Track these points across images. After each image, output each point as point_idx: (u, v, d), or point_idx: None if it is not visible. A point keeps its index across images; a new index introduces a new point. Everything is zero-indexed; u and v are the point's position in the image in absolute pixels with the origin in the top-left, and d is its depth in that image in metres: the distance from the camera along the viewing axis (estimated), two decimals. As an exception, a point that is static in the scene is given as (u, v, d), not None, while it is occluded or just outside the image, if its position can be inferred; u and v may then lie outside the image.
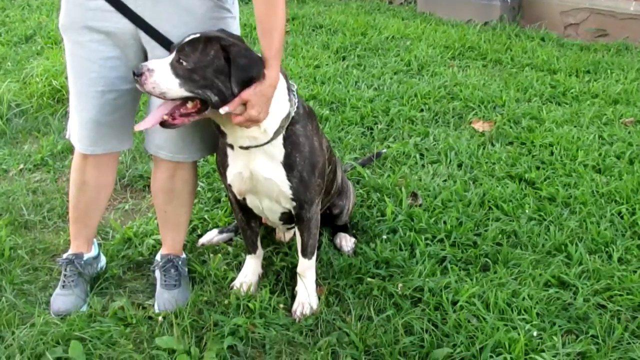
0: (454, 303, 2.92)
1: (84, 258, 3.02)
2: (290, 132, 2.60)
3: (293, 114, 2.59)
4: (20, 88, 5.24)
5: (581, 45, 7.16)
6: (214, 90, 2.35)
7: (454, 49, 6.70)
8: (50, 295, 2.95)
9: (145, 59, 2.62)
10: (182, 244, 3.12)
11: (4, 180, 4.01)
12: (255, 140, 2.54)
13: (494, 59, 6.47)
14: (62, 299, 2.89)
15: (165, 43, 2.53)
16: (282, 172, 2.64)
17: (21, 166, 4.15)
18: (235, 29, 2.72)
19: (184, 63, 2.32)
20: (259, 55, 2.46)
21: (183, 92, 2.34)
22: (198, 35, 2.39)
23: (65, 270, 2.97)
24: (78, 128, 2.72)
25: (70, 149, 4.26)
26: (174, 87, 2.33)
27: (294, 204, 2.75)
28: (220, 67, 2.36)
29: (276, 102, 2.51)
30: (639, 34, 7.38)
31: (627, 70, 6.14)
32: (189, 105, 2.41)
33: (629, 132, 4.73)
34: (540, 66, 6.25)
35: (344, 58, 6.40)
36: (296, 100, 2.63)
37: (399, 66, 6.12)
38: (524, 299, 2.93)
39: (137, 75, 2.32)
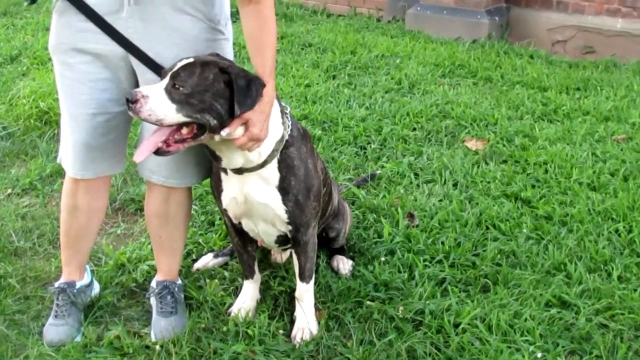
0: (456, 325, 2.88)
1: (77, 286, 2.95)
2: (284, 156, 2.56)
3: (287, 137, 2.55)
4: (6, 110, 5.15)
5: (570, 62, 7.18)
6: (212, 113, 2.30)
7: (444, 67, 6.70)
8: (43, 325, 2.88)
9: (136, 81, 2.58)
10: (178, 269, 3.07)
11: (-9, 206, 3.94)
12: (250, 164, 2.50)
13: (484, 77, 6.46)
14: (56, 329, 2.82)
15: (154, 67, 2.48)
16: (277, 196, 2.60)
17: (9, 190, 4.08)
18: (229, 51, 2.69)
19: (181, 88, 2.27)
20: (256, 74, 2.43)
21: (181, 118, 2.29)
22: (192, 59, 2.35)
23: (58, 299, 2.90)
24: (69, 151, 2.67)
25: (59, 173, 4.21)
26: (171, 113, 2.26)
27: (290, 227, 2.71)
28: (220, 90, 2.32)
29: (270, 125, 2.47)
30: (626, 50, 7.41)
31: (616, 87, 6.15)
32: (184, 130, 2.35)
33: (622, 149, 4.72)
34: (530, 83, 6.25)
35: (334, 77, 6.37)
36: (289, 123, 2.59)
37: (390, 84, 6.10)
38: (526, 319, 2.90)
39: (132, 102, 2.24)
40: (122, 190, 4.04)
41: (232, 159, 2.49)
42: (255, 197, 2.59)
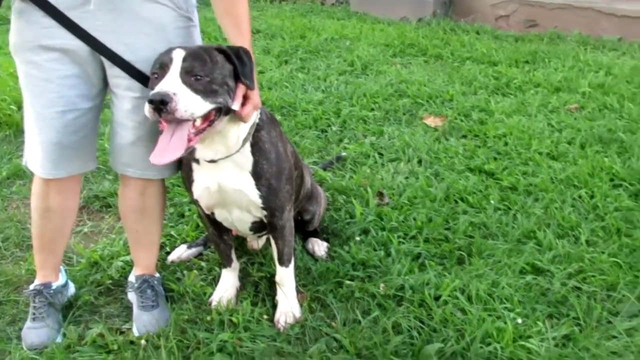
0: (437, 298, 2.92)
1: (53, 287, 2.90)
2: (256, 139, 2.55)
3: (257, 120, 2.55)
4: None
5: (515, 36, 7.31)
6: (229, 94, 2.31)
7: (394, 46, 6.76)
8: (20, 329, 2.82)
9: (104, 75, 2.53)
10: (155, 262, 3.04)
11: (-49, 212, 3.84)
12: (227, 150, 2.48)
13: (434, 55, 6.55)
14: (35, 332, 2.76)
15: (121, 64, 2.43)
16: (250, 182, 2.59)
17: (-34, 194, 3.97)
18: (197, 37, 2.67)
19: (201, 78, 2.22)
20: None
21: (208, 106, 2.24)
22: (190, 48, 2.30)
23: (34, 301, 2.84)
24: (39, 152, 2.58)
25: (16, 175, 4.13)
26: (201, 104, 2.21)
27: (265, 212, 2.70)
28: (228, 69, 2.32)
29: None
30: (568, 22, 7.59)
31: (563, 59, 6.30)
32: (197, 122, 2.27)
33: (575, 118, 4.85)
34: (480, 59, 6.36)
35: (286, 62, 6.38)
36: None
37: (343, 67, 6.14)
38: (503, 288, 2.95)
39: (164, 103, 2.11)
40: (84, 187, 3.96)
41: (207, 148, 2.48)
42: (228, 184, 2.57)
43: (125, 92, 2.50)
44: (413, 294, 2.95)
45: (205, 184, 2.60)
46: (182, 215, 3.70)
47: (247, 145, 2.52)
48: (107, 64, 2.47)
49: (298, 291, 2.99)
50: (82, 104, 2.51)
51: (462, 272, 3.09)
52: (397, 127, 4.78)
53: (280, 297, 2.92)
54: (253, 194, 2.60)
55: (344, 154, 4.29)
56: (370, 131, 4.70)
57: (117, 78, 2.49)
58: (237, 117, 2.40)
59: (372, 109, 5.12)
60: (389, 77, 5.79)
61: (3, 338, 2.79)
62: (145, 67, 2.44)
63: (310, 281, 3.10)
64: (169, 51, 2.29)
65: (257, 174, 2.57)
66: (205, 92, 2.23)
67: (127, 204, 2.84)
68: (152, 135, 2.56)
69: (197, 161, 2.56)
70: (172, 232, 3.51)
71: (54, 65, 2.43)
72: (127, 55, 2.44)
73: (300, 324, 2.82)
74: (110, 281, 3.14)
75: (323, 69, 6.08)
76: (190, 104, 2.17)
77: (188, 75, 2.21)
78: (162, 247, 3.38)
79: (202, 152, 2.50)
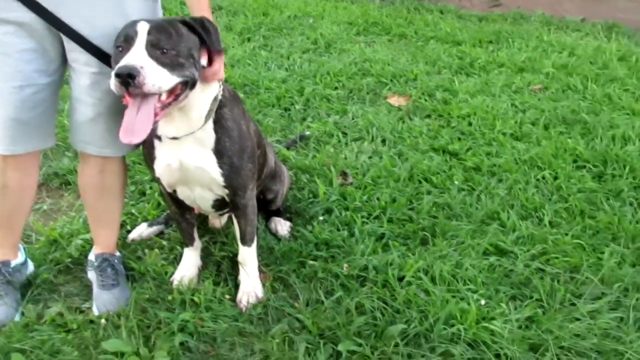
0: (400, 279, 2.92)
1: (12, 265, 2.83)
2: (219, 116, 2.50)
3: (220, 97, 2.50)
4: None
5: (479, 16, 7.31)
6: (195, 66, 2.26)
7: (357, 25, 6.71)
8: None
9: (63, 50, 2.45)
10: (116, 241, 2.98)
11: None
12: (190, 127, 2.43)
13: (398, 34, 6.52)
14: None
15: (77, 38, 2.36)
16: (212, 159, 2.53)
17: None
18: (159, 13, 2.61)
19: (168, 51, 2.17)
20: None
21: (175, 80, 2.19)
22: (154, 21, 2.24)
23: None
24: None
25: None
26: (168, 78, 2.16)
27: (227, 191, 2.66)
28: (193, 41, 2.28)
29: (206, 84, 2.41)
30: (531, 3, 7.63)
31: (527, 39, 6.33)
32: (163, 97, 2.21)
33: (539, 99, 4.87)
34: (444, 38, 6.35)
35: (249, 39, 6.29)
36: (221, 83, 2.54)
37: (306, 45, 6.07)
38: (467, 269, 2.97)
39: (132, 77, 2.06)
40: (44, 164, 3.86)
41: (169, 125, 2.43)
42: (190, 161, 2.52)
43: (83, 67, 2.44)
44: (376, 274, 2.94)
45: (167, 161, 2.54)
46: (143, 194, 3.63)
47: (210, 122, 2.47)
48: (65, 38, 2.40)
49: (260, 271, 2.96)
50: (40, 79, 2.44)
51: (425, 253, 3.08)
52: (361, 107, 4.75)
53: (242, 276, 2.89)
54: (215, 172, 2.56)
55: (307, 132, 4.26)
56: (334, 110, 4.67)
57: (75, 52, 2.42)
58: (203, 78, 2.36)
59: (336, 88, 5.08)
60: (353, 55, 5.75)
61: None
62: (103, 43, 2.38)
63: (273, 261, 3.07)
64: (133, 24, 2.22)
65: (219, 151, 2.52)
66: (172, 65, 2.18)
67: (87, 181, 2.78)
68: (112, 112, 2.51)
69: (159, 138, 2.50)
70: (133, 211, 3.44)
71: (9, 38, 2.36)
72: (84, 30, 2.37)
73: (263, 304, 2.80)
74: (69, 259, 3.08)
75: (286, 47, 6.01)
76: (158, 77, 2.12)
77: (154, 49, 2.16)
78: (122, 225, 3.32)
79: (164, 129, 2.44)
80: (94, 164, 2.70)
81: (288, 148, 4.06)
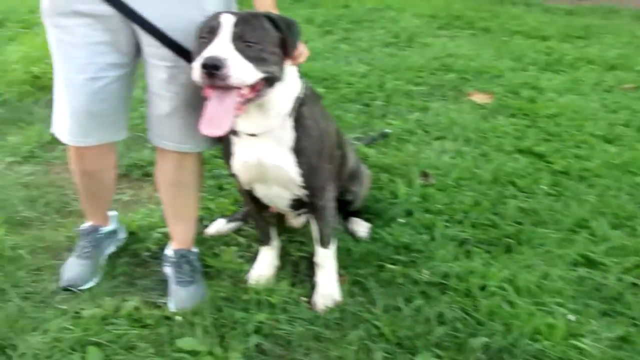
0: (483, 288, 2.80)
1: (101, 231, 2.99)
2: (299, 115, 2.43)
3: (301, 95, 2.43)
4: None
5: (567, 9, 7.07)
6: (279, 63, 2.21)
7: (440, 18, 6.58)
8: (58, 295, 2.79)
9: (136, 43, 2.44)
10: (193, 237, 2.96)
11: (-7, 175, 3.79)
12: (268, 124, 2.37)
13: (482, 27, 6.35)
14: (72, 267, 2.86)
15: (153, 31, 2.33)
16: (291, 158, 2.47)
17: (9, 159, 3.92)
18: (233, 6, 2.56)
19: (254, 45, 2.12)
20: None
21: (258, 74, 2.14)
22: (242, 13, 2.20)
23: (82, 240, 2.95)
24: (67, 119, 2.52)
25: (58, 140, 4.07)
26: (252, 72, 2.12)
27: (305, 191, 2.59)
28: (276, 37, 2.21)
29: (287, 81, 2.34)
30: (623, -4, 7.31)
31: (618, 34, 6.07)
32: (244, 91, 2.16)
33: (632, 99, 4.64)
34: (530, 33, 6.15)
35: (329, 32, 6.22)
36: (302, 81, 2.47)
37: (388, 38, 5.97)
38: (554, 280, 2.82)
39: (217, 68, 2.03)
40: (125, 155, 3.88)
41: (248, 121, 2.37)
42: (268, 159, 2.46)
43: (159, 61, 2.42)
44: (458, 282, 2.83)
45: (244, 158, 2.49)
46: (221, 188, 3.60)
47: (290, 120, 2.41)
48: (141, 32, 2.39)
49: (338, 273, 2.89)
50: (112, 72, 2.45)
51: (510, 262, 2.95)
52: (443, 104, 4.63)
53: (319, 278, 2.82)
54: (293, 171, 2.49)
55: (388, 130, 4.16)
56: (416, 107, 4.56)
57: (151, 47, 2.41)
58: (288, 62, 2.31)
59: (418, 84, 4.96)
60: (435, 50, 5.62)
61: (42, 305, 2.73)
62: (178, 36, 2.36)
63: (351, 263, 2.99)
64: (217, 15, 2.18)
65: (298, 150, 2.46)
66: (256, 59, 2.12)
67: (164, 177, 2.77)
68: (189, 107, 2.49)
69: (237, 134, 2.45)
70: (211, 205, 3.42)
71: (85, 30, 2.37)
72: (160, 24, 2.35)
73: (340, 308, 2.72)
74: (147, 253, 3.08)
75: (367, 40, 5.91)
76: (242, 70, 2.08)
77: (239, 41, 2.11)
78: (200, 220, 3.30)
79: (242, 125, 2.39)
80: (171, 160, 2.68)
81: (368, 145, 3.96)
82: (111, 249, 3.06)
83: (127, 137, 2.75)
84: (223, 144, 2.59)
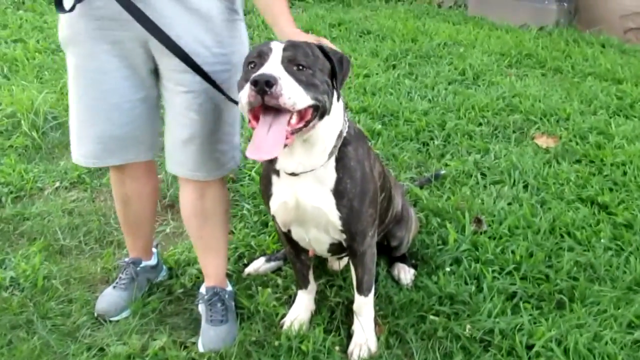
0: (529, 347, 2.63)
1: (141, 265, 3.00)
2: (342, 154, 2.32)
3: (345, 133, 2.32)
4: (57, 99, 5.02)
5: (645, 51, 6.77)
6: (328, 93, 2.11)
7: (510, 56, 6.37)
8: (86, 329, 2.77)
9: (155, 68, 2.45)
10: (225, 272, 2.90)
11: (38, 200, 3.81)
12: (311, 163, 2.26)
13: (553, 67, 6.12)
14: (107, 299, 2.89)
15: (175, 50, 2.29)
16: (331, 200, 2.35)
17: (57, 184, 3.95)
18: (244, 31, 2.54)
19: (305, 69, 2.04)
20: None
21: (309, 100, 2.03)
22: (293, 40, 2.13)
23: (122, 272, 2.98)
24: (91, 144, 2.52)
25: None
26: (303, 95, 2.01)
27: (344, 235, 2.47)
28: (328, 68, 2.14)
29: (333, 117, 2.23)
30: None
31: (697, 80, 5.75)
32: (294, 120, 2.06)
33: None
34: (603, 75, 5.89)
35: (394, 66, 6.10)
36: (347, 119, 2.36)
37: (453, 75, 5.81)
38: (606, 343, 2.63)
39: (268, 86, 1.92)
40: (172, 185, 3.85)
41: (289, 159, 2.27)
42: (307, 200, 2.35)
43: (176, 86, 2.41)
44: (502, 339, 2.67)
45: (284, 198, 2.39)
46: (266, 225, 3.51)
47: (332, 160, 2.30)
48: (157, 54, 2.39)
49: (376, 322, 2.77)
50: (135, 95, 2.48)
51: (560, 320, 2.77)
52: (505, 146, 4.44)
53: (356, 327, 2.71)
54: (333, 214, 2.37)
55: (443, 171, 4.01)
56: (475, 148, 4.39)
57: (168, 72, 2.41)
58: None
59: (480, 124, 4.79)
60: (502, 89, 5.43)
61: (67, 339, 2.70)
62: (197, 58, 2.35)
63: (391, 312, 2.86)
64: (267, 43, 2.11)
65: (339, 192, 2.34)
66: (307, 84, 2.03)
67: (188, 208, 2.72)
68: (206, 134, 2.46)
69: (277, 173, 2.36)
70: (252, 243, 3.33)
71: (107, 57, 2.39)
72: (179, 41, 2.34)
73: (375, 360, 2.60)
74: (181, 290, 3.02)
75: (432, 76, 5.77)
76: (294, 91, 1.97)
77: (291, 64, 2.03)
78: (240, 258, 3.25)
79: (283, 163, 2.28)
80: (193, 189, 2.64)
81: (421, 187, 3.82)
82: (151, 282, 3.07)
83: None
84: (262, 183, 2.51)
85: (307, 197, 2.35)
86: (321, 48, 2.15)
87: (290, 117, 2.03)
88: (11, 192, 3.83)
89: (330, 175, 2.32)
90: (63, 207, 3.68)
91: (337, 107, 2.24)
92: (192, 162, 2.51)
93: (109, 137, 2.50)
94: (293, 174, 2.30)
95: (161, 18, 2.28)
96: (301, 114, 2.06)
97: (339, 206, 2.36)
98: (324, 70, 2.11)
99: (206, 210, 2.68)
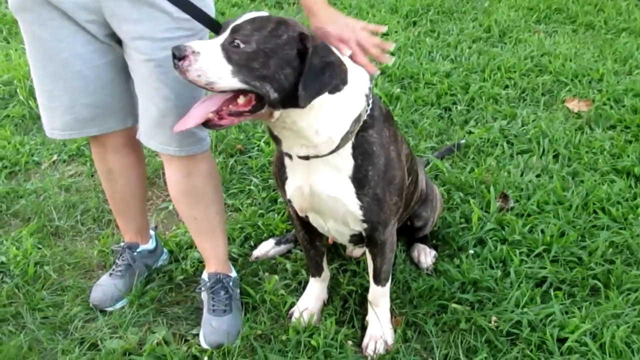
0: (561, 341, 2.40)
1: (138, 249, 2.80)
2: (361, 139, 2.05)
3: (365, 116, 2.04)
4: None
5: (683, 4, 6.37)
6: (274, 84, 1.81)
7: (538, 11, 6.01)
8: (79, 320, 2.58)
9: (114, 34, 2.18)
10: (226, 256, 2.68)
11: (35, 175, 3.60)
12: (315, 149, 2.00)
13: (584, 23, 5.76)
14: (102, 288, 2.70)
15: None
16: (350, 189, 2.10)
17: (54, 157, 3.72)
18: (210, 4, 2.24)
19: (242, 45, 1.77)
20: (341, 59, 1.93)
21: (235, 83, 1.79)
22: (265, 13, 1.87)
23: (117, 258, 2.80)
24: (63, 115, 2.31)
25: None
26: (225, 76, 1.77)
27: (365, 225, 2.21)
28: (289, 58, 1.82)
29: (347, 99, 1.96)
30: None
31: None
32: (241, 101, 1.85)
33: None
34: (639, 31, 5.53)
35: (414, 23, 5.78)
36: (371, 100, 2.07)
37: (478, 33, 5.47)
38: (646, 336, 2.39)
39: (178, 58, 1.76)
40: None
41: (293, 144, 2.01)
42: (322, 189, 2.11)
43: (137, 54, 2.16)
44: (531, 332, 2.43)
45: (298, 183, 2.15)
46: (275, 201, 3.27)
47: (348, 147, 2.03)
48: (115, 22, 2.13)
49: (392, 313, 2.54)
50: (100, 60, 2.24)
51: (595, 309, 2.52)
52: (534, 110, 4.15)
53: (371, 318, 2.50)
54: (352, 204, 2.12)
55: (463, 140, 3.73)
56: (501, 113, 4.09)
57: (126, 38, 2.16)
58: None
59: (506, 86, 4.48)
60: (530, 47, 5.10)
61: (58, 335, 2.52)
62: None
63: (409, 301, 2.64)
64: (242, 14, 1.87)
65: (358, 180, 2.09)
66: (239, 64, 1.78)
67: (175, 187, 2.50)
68: (179, 108, 2.17)
69: (290, 156, 2.11)
70: (260, 223, 3.10)
71: (60, 22, 2.14)
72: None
73: (391, 356, 2.39)
74: (182, 276, 2.81)
75: (455, 33, 5.44)
76: (209, 69, 1.76)
77: (231, 36, 1.80)
78: (246, 239, 3.04)
79: (287, 145, 2.03)
80: (178, 167, 2.41)
81: (442, 158, 3.55)
82: (151, 268, 2.87)
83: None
84: (276, 165, 2.27)
85: (322, 185, 2.11)
86: (302, 37, 1.85)
87: (234, 98, 1.86)
88: (5, 167, 3.62)
89: (346, 162, 2.07)
90: (60, 183, 3.47)
91: (352, 90, 1.97)
92: (168, 138, 2.27)
93: (81, 106, 2.29)
94: (303, 158, 2.04)
95: (114, 7, 2.07)
96: (248, 97, 1.85)
97: (359, 195, 2.11)
98: (280, 55, 1.81)
99: (195, 188, 2.46)
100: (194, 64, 1.75)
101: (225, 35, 1.82)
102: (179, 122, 1.88)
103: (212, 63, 1.76)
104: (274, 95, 1.82)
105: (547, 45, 5.20)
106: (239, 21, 1.83)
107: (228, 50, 1.78)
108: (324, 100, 1.91)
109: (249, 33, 1.79)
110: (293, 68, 1.82)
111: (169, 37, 2.09)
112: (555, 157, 3.62)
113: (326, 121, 1.95)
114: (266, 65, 1.79)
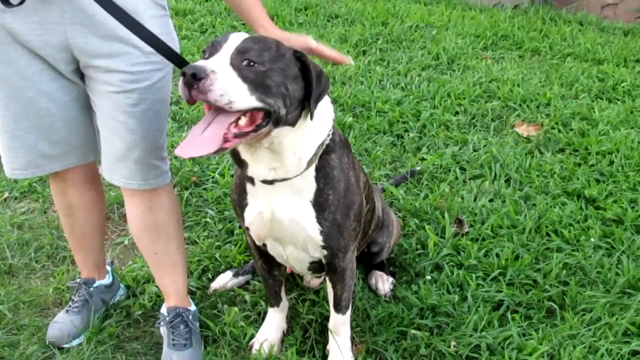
0: (519, 364, 2.43)
1: (94, 284, 2.76)
2: (324, 162, 2.06)
3: (328, 140, 2.05)
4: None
5: (624, 29, 6.57)
6: (285, 100, 1.82)
7: (485, 37, 6.15)
8: (34, 357, 2.53)
9: (80, 72, 2.19)
10: (187, 290, 2.65)
11: (-14, 213, 3.52)
12: (285, 172, 1.99)
13: (530, 49, 5.91)
14: (59, 325, 2.64)
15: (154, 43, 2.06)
16: (310, 213, 2.10)
17: (6, 194, 3.65)
18: (172, 28, 2.29)
19: (256, 65, 1.76)
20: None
21: (253, 102, 1.76)
22: (260, 35, 1.95)
23: (74, 295, 2.75)
24: (26, 154, 2.28)
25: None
26: (244, 95, 1.74)
27: (325, 252, 2.21)
28: (294, 74, 1.84)
29: (316, 124, 1.97)
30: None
31: (681, 58, 5.57)
32: (242, 122, 1.81)
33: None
34: (583, 56, 5.69)
35: (364, 52, 5.85)
36: (332, 125, 2.09)
37: (427, 60, 5.56)
38: (602, 355, 2.43)
39: (197, 78, 1.68)
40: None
41: (261, 168, 2.00)
42: (284, 213, 2.10)
43: (104, 86, 2.16)
44: (490, 355, 2.46)
45: (259, 209, 2.13)
46: (232, 233, 3.26)
47: (312, 169, 2.04)
48: (83, 58, 2.12)
49: (353, 341, 2.54)
50: (65, 97, 2.24)
51: (551, 331, 2.56)
52: (484, 135, 4.22)
53: (332, 347, 2.49)
54: (312, 228, 2.11)
55: (419, 167, 3.77)
56: (453, 139, 4.15)
57: (94, 72, 2.15)
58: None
59: (457, 112, 4.56)
60: (478, 74, 5.20)
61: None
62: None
63: (369, 328, 2.64)
64: (228, 34, 1.85)
65: (319, 204, 2.09)
66: (255, 83, 1.75)
67: (137, 222, 2.47)
68: (146, 141, 2.22)
69: (252, 181, 2.10)
70: (217, 255, 3.08)
71: (24, 61, 2.13)
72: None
73: (353, 384, 2.38)
74: (140, 311, 2.77)
75: (404, 62, 5.52)
76: (231, 89, 1.70)
77: (240, 57, 1.76)
78: (204, 271, 3.00)
79: (255, 170, 2.00)
80: (140, 201, 2.40)
81: (397, 185, 3.59)
82: (108, 303, 2.82)
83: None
84: (236, 192, 2.23)
85: (283, 209, 2.09)
86: (298, 55, 1.89)
87: (238, 119, 1.78)
88: (-45, 206, 3.53)
89: (309, 186, 2.07)
90: (12, 220, 3.40)
91: (320, 116, 1.99)
92: (132, 172, 2.27)
93: (45, 142, 2.27)
94: (268, 182, 2.03)
95: (85, 17, 2.05)
96: (253, 116, 1.81)
97: (319, 219, 2.10)
98: (287, 73, 1.83)
99: (157, 222, 2.44)
100: (215, 84, 1.69)
101: (224, 55, 1.78)
102: (188, 148, 1.77)
103: (230, 83, 1.72)
104: (282, 111, 1.82)
105: (495, 71, 5.31)
106: (238, 42, 1.80)
107: (242, 69, 1.75)
108: (307, 121, 1.92)
109: (259, 53, 1.78)
110: (298, 83, 1.85)
111: (139, 70, 2.12)
112: (507, 181, 3.68)
113: (303, 142, 1.96)
114: (278, 82, 1.80)
